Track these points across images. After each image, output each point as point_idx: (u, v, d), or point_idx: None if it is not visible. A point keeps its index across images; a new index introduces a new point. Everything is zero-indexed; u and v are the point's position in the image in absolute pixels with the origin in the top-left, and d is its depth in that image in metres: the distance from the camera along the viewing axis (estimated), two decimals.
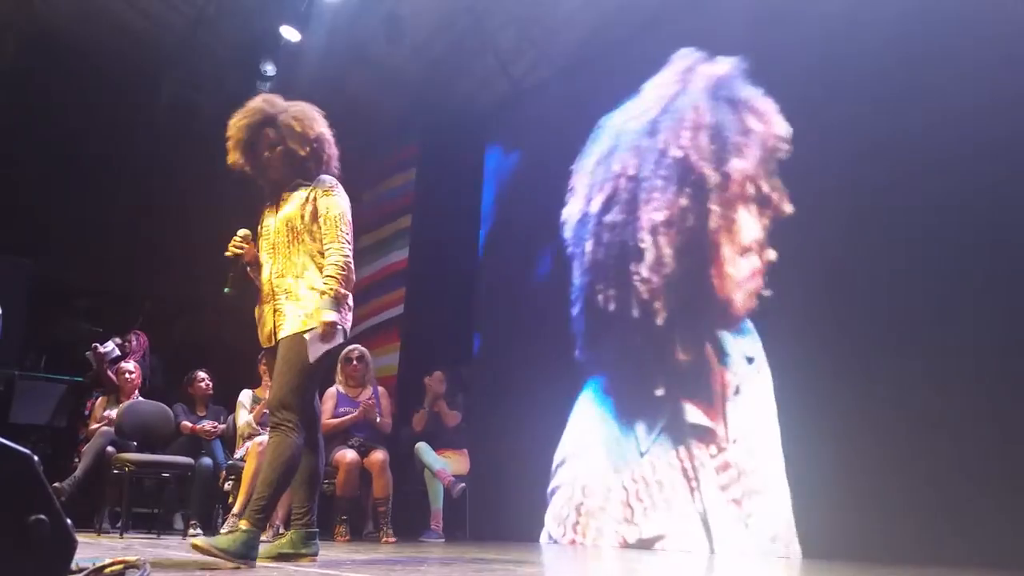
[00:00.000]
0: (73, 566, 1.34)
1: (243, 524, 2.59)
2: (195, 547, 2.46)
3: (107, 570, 1.53)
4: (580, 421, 5.47)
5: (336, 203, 2.91)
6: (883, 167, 4.08)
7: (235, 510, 4.75)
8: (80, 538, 1.25)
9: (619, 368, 5.29)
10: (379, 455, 5.17)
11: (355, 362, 5.50)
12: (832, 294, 4.20)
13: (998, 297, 3.59)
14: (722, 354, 4.63)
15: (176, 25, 6.39)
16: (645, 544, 4.73)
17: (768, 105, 4.65)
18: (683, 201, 4.98)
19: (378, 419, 5.38)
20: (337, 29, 6.12)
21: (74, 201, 6.80)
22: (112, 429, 5.22)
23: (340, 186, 3.00)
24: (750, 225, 4.60)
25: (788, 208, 4.44)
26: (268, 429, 2.85)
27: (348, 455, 5.14)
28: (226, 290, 2.97)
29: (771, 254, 4.49)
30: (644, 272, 5.11)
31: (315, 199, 2.91)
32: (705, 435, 4.61)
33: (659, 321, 5.00)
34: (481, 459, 6.05)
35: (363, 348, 5.68)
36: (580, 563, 3.65)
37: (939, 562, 3.47)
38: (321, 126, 3.00)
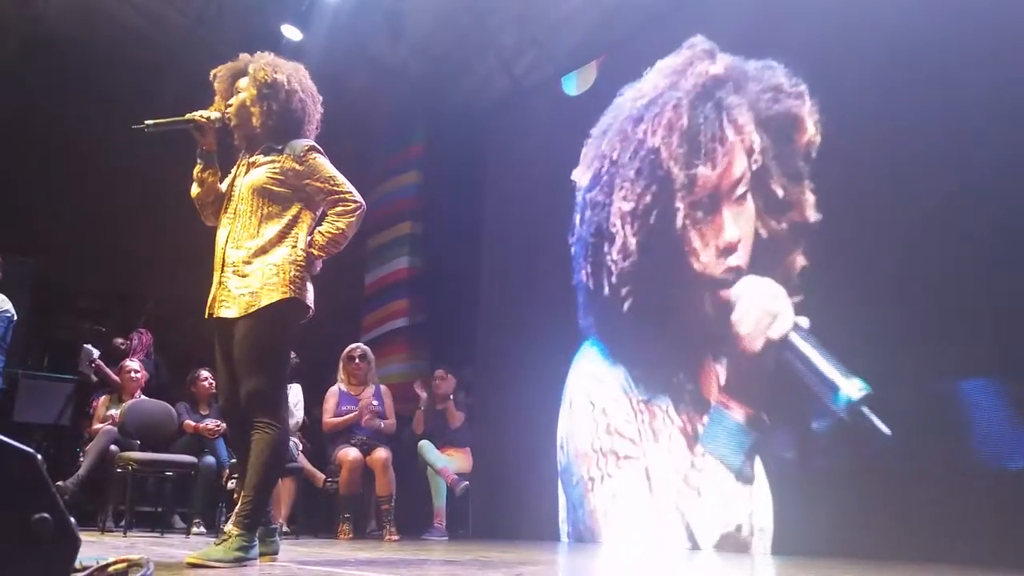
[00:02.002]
0: (77, 565, 1.34)
1: (234, 530, 2.50)
2: (191, 565, 2.37)
3: (111, 569, 1.53)
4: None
5: (320, 165, 2.70)
6: (907, 173, 4.05)
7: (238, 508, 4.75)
8: (84, 537, 1.25)
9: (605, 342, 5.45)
10: (382, 453, 5.18)
11: (357, 360, 5.50)
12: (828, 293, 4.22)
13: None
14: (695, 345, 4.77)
15: (177, 25, 6.40)
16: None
17: (747, 116, 4.72)
18: (648, 197, 5.13)
19: (381, 424, 5.39)
20: (338, 28, 6.12)
21: (76, 201, 6.80)
22: (115, 428, 5.23)
23: (316, 147, 2.75)
24: (729, 226, 4.69)
25: (798, 212, 4.44)
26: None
27: (351, 453, 5.14)
28: (149, 122, 2.65)
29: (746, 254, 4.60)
30: (614, 255, 5.30)
31: (287, 169, 2.67)
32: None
33: (625, 308, 5.21)
34: (484, 457, 6.06)
35: (365, 347, 5.69)
36: (585, 561, 3.65)
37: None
38: (284, 75, 2.74)
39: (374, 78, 6.96)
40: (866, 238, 4.16)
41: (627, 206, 5.27)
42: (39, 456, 1.16)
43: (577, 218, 5.77)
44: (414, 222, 7.57)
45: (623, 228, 5.27)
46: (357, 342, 5.93)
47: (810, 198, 4.39)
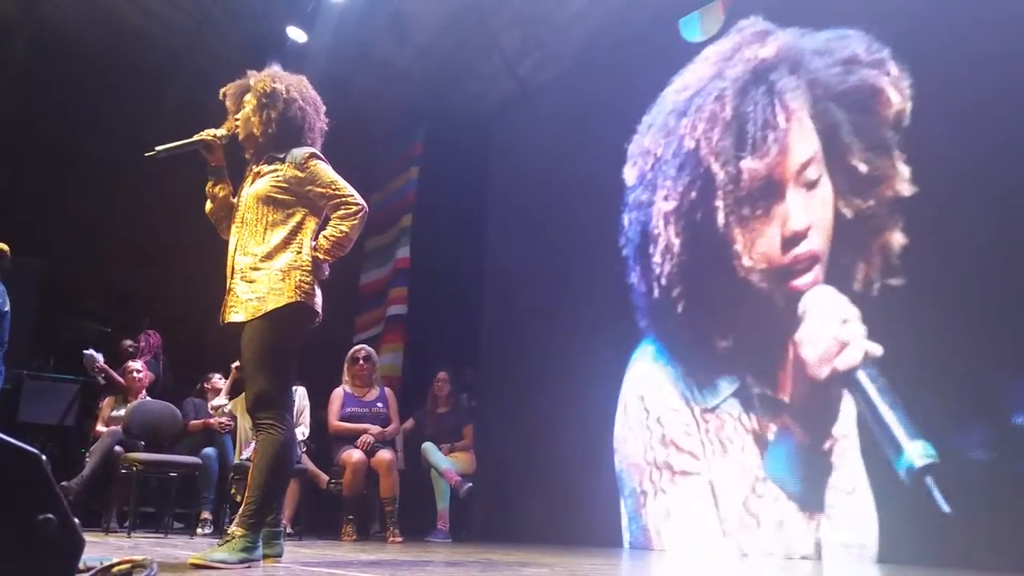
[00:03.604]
0: (81, 565, 1.34)
1: (238, 531, 2.51)
2: (194, 565, 2.38)
3: (114, 569, 1.54)
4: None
5: (321, 171, 2.74)
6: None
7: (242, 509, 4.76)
8: (88, 537, 1.25)
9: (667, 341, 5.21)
10: (386, 455, 5.18)
11: (362, 362, 5.50)
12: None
13: None
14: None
15: (182, 26, 6.41)
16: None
17: (805, 98, 4.51)
18: (692, 194, 4.97)
19: (387, 428, 5.41)
20: (343, 29, 6.13)
21: (82, 202, 6.82)
22: (120, 428, 5.24)
23: (317, 154, 2.79)
24: (797, 213, 4.46)
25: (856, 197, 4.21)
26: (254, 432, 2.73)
27: (355, 455, 5.14)
28: (159, 148, 2.73)
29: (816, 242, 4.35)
30: (657, 257, 5.14)
31: (289, 176, 2.72)
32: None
33: (680, 309, 5.02)
34: (488, 459, 6.05)
35: (369, 348, 5.69)
36: (587, 565, 3.64)
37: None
38: (283, 84, 2.81)
39: (378, 80, 6.97)
40: (968, 211, 3.83)
41: (668, 206, 5.10)
42: (43, 456, 1.16)
43: (625, 219, 5.53)
44: (412, 215, 7.57)
45: (665, 229, 5.09)
46: (359, 344, 5.94)
47: (903, 170, 4.06)
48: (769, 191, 4.61)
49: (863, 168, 4.21)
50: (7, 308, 4.85)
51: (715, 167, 4.87)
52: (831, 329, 4.17)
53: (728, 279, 4.72)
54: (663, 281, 5.14)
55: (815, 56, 4.54)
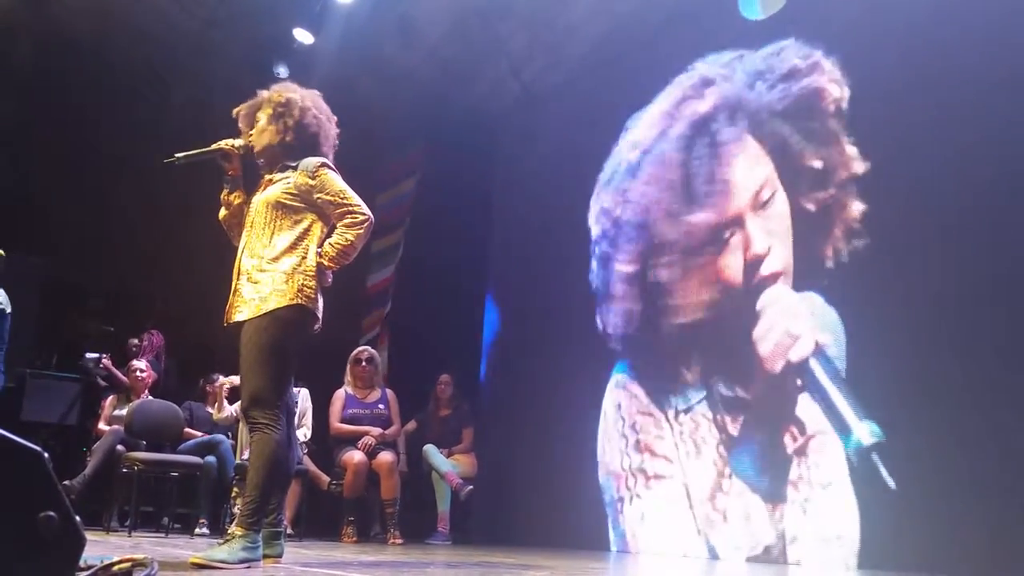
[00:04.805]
0: (81, 563, 1.35)
1: (238, 531, 2.54)
2: (195, 564, 2.40)
3: (115, 568, 1.54)
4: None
5: (330, 180, 2.77)
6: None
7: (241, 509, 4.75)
8: (89, 536, 1.26)
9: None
10: (387, 457, 5.19)
11: (364, 363, 5.51)
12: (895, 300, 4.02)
13: None
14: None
15: (189, 27, 6.42)
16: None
17: (751, 146, 4.70)
18: (646, 258, 5.26)
19: (389, 430, 5.41)
20: (350, 32, 6.14)
21: (87, 201, 6.83)
22: (122, 428, 5.24)
23: (328, 164, 2.83)
24: (758, 237, 4.61)
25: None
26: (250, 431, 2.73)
27: (356, 456, 5.15)
28: (179, 155, 2.80)
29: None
30: (613, 316, 5.46)
31: (300, 184, 2.76)
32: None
33: (650, 336, 5.23)
34: (489, 462, 6.05)
35: (372, 350, 5.70)
36: (588, 568, 3.64)
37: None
38: (298, 95, 2.89)
39: (385, 82, 6.97)
40: (920, 184, 3.94)
41: (628, 268, 5.39)
42: (46, 454, 1.17)
43: (594, 264, 5.76)
44: (414, 224, 7.57)
45: (624, 290, 5.39)
46: (363, 345, 5.94)
47: (851, 151, 4.23)
48: (723, 230, 4.78)
49: (818, 164, 4.38)
50: (9, 310, 4.86)
51: (664, 227, 5.14)
52: (786, 323, 4.35)
53: (693, 315, 4.91)
54: (634, 323, 5.38)
55: (757, 78, 4.73)
